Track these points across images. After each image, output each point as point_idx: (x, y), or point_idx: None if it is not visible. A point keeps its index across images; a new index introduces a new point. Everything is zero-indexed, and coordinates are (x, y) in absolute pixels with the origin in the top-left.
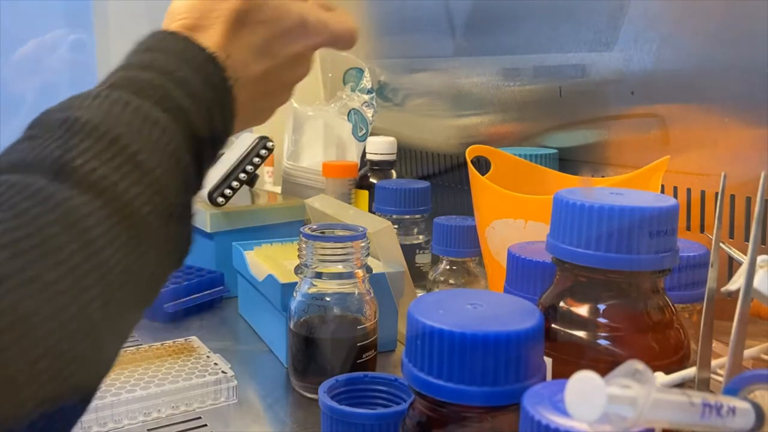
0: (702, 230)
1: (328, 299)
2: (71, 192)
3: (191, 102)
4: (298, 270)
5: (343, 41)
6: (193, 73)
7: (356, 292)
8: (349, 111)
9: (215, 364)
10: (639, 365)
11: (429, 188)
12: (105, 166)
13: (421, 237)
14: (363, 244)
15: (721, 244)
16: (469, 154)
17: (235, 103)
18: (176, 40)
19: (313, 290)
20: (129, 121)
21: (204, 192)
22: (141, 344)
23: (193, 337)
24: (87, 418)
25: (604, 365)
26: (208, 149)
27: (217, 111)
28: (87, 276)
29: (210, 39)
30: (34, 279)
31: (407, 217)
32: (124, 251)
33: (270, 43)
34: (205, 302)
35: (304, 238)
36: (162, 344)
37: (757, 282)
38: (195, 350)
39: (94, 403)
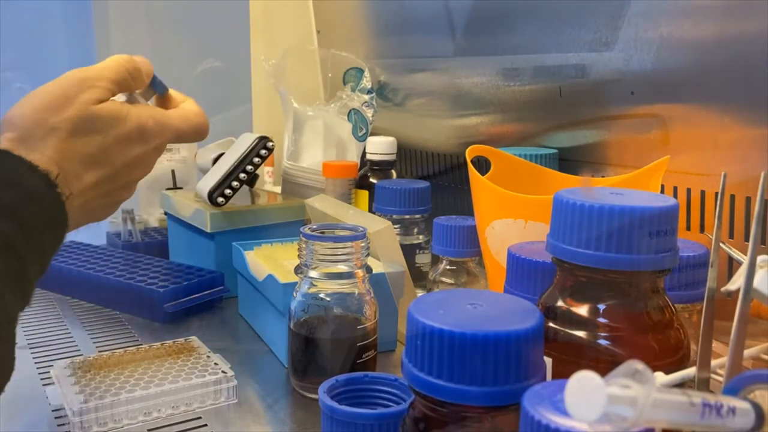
0: (702, 230)
1: (328, 299)
2: None
3: (19, 233)
4: (298, 270)
5: (189, 137)
6: (23, 200)
7: (356, 292)
8: (349, 111)
9: (215, 364)
10: (639, 365)
11: (429, 188)
12: None
13: (421, 237)
14: (363, 244)
15: (721, 244)
16: (469, 154)
17: (67, 217)
18: (4, 159)
19: (313, 290)
20: None
21: (204, 192)
22: (141, 344)
23: (193, 337)
24: (87, 417)
25: (604, 365)
26: (32, 267)
27: (44, 230)
28: None
29: (42, 152)
30: None
31: (407, 217)
32: None
33: (105, 152)
34: (205, 302)
35: (304, 238)
36: (162, 344)
37: (757, 282)
38: (195, 350)
39: (94, 403)
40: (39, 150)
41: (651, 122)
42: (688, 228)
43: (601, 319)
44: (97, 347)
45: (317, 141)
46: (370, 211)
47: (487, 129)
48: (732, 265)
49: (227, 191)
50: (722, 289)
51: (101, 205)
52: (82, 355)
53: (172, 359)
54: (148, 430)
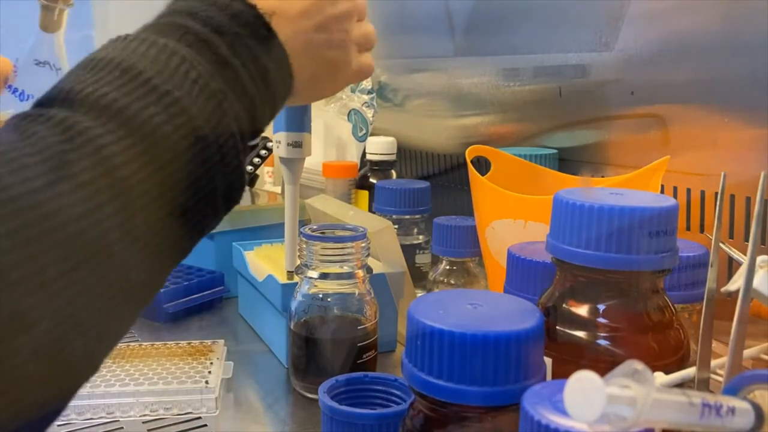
0: (702, 230)
1: (328, 299)
2: (81, 117)
3: (217, 36)
4: (298, 270)
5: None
6: (218, 11)
7: (356, 293)
8: (349, 111)
9: (209, 372)
10: (638, 365)
11: (429, 188)
12: (116, 91)
13: (421, 237)
14: (363, 245)
15: (720, 244)
16: (469, 154)
17: (275, 38)
18: None
19: (313, 290)
20: (144, 53)
21: None
22: (166, 342)
23: (220, 341)
24: (79, 403)
25: (604, 365)
26: (250, 81)
27: (251, 42)
28: (102, 192)
29: None
30: (40, 190)
31: (407, 217)
32: (145, 172)
33: None
34: (205, 302)
35: (304, 239)
36: (189, 343)
37: (757, 282)
38: (207, 355)
39: (87, 390)
40: None
41: (651, 122)
42: (688, 228)
43: (601, 320)
44: None
45: (317, 141)
46: (370, 211)
47: (487, 129)
48: (732, 266)
49: None
50: (722, 289)
51: (322, 42)
52: None
53: (181, 360)
54: (148, 430)
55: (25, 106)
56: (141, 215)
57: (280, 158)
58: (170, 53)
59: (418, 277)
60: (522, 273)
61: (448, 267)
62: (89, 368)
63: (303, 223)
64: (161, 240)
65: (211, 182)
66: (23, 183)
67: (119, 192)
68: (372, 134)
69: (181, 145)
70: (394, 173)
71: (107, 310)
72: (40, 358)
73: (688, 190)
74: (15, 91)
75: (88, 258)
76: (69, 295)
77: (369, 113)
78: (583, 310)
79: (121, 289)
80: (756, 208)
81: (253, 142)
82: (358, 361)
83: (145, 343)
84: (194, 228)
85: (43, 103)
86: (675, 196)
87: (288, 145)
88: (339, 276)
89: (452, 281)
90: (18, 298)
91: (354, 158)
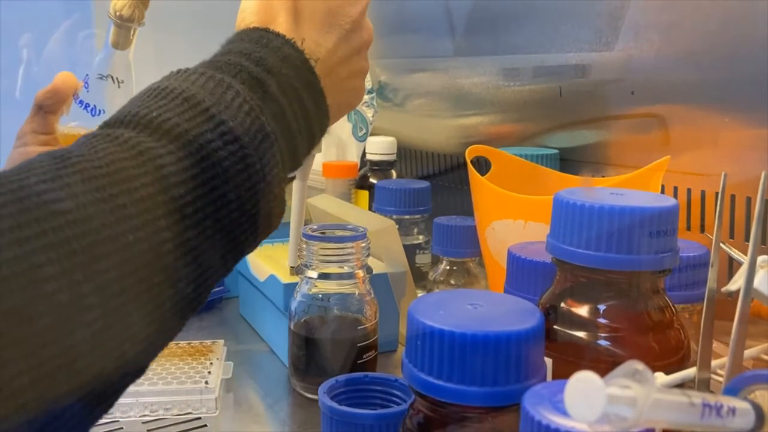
0: (702, 230)
1: (328, 300)
2: (145, 138)
3: (268, 75)
4: (298, 270)
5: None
6: (270, 53)
7: (357, 293)
8: None
9: (209, 372)
10: (639, 365)
11: (429, 188)
12: (178, 117)
13: (421, 237)
14: (363, 245)
15: (721, 244)
16: (469, 154)
17: (320, 83)
18: (251, 31)
19: (313, 291)
20: (203, 85)
21: None
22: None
23: (219, 341)
24: None
25: (605, 366)
26: (293, 118)
27: (299, 85)
28: (159, 207)
29: (281, 27)
30: (105, 200)
31: (407, 217)
32: (200, 191)
33: (332, 13)
34: (205, 302)
35: (304, 239)
36: (189, 343)
37: (757, 282)
38: (208, 355)
39: None
40: (278, 24)
41: (651, 122)
42: (689, 228)
43: (602, 320)
44: None
45: None
46: (370, 211)
47: (487, 129)
48: (732, 266)
49: None
50: (722, 289)
51: (347, 75)
52: None
53: (181, 360)
54: (148, 430)
55: (91, 119)
56: (192, 231)
57: None
58: (226, 87)
59: (419, 277)
60: (522, 273)
61: (448, 267)
62: (135, 373)
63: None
64: (208, 255)
65: (255, 207)
66: (88, 193)
67: (175, 208)
68: (372, 134)
69: (233, 170)
70: (394, 173)
71: (155, 317)
72: (95, 353)
73: (689, 190)
74: (83, 104)
75: (143, 266)
76: (123, 299)
77: (369, 113)
78: (583, 311)
79: (171, 298)
80: (756, 208)
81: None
82: (358, 361)
83: None
84: (236, 248)
85: (110, 124)
86: (675, 196)
87: None
88: (339, 276)
89: (452, 281)
90: (76, 295)
91: (354, 158)
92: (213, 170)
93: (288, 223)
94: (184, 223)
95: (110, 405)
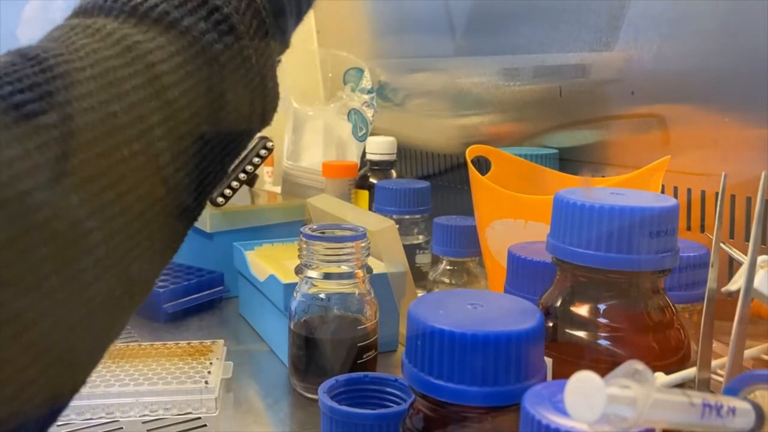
0: (702, 230)
1: (328, 299)
2: (130, 29)
3: None
4: (298, 270)
5: None
6: None
7: (356, 293)
8: (349, 111)
9: (208, 372)
10: (639, 365)
11: (429, 188)
12: (166, 3)
13: (421, 237)
14: (363, 245)
15: (721, 244)
16: (469, 154)
17: None
18: None
19: (313, 290)
20: None
21: None
22: (167, 342)
23: (219, 341)
24: (78, 403)
25: (605, 365)
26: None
27: None
28: (153, 113)
29: None
30: (94, 109)
31: (407, 217)
32: (196, 92)
33: None
34: (205, 302)
35: (304, 239)
36: (188, 343)
37: (758, 282)
38: (207, 354)
39: (87, 390)
40: None
41: (651, 122)
42: (689, 228)
43: (602, 320)
44: None
45: (317, 141)
46: (370, 211)
47: (487, 129)
48: (732, 266)
49: (227, 191)
50: (723, 289)
51: None
52: None
53: (181, 360)
54: (147, 430)
55: None
56: (189, 137)
57: None
58: None
59: (419, 277)
60: (522, 273)
61: (448, 267)
62: (142, 291)
63: (303, 222)
64: (208, 161)
65: (252, 105)
66: (73, 102)
67: (170, 113)
68: (372, 134)
69: (230, 66)
70: (394, 173)
71: (159, 236)
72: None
73: (689, 190)
74: None
75: (141, 181)
76: (124, 220)
77: (369, 113)
78: (583, 310)
79: (173, 211)
80: (756, 208)
81: (253, 143)
82: (358, 361)
83: (144, 344)
84: (234, 149)
85: (86, 10)
86: (675, 196)
87: None
88: (339, 276)
89: (452, 281)
90: (73, 221)
91: (354, 158)
92: (209, 68)
93: (288, 223)
94: (180, 129)
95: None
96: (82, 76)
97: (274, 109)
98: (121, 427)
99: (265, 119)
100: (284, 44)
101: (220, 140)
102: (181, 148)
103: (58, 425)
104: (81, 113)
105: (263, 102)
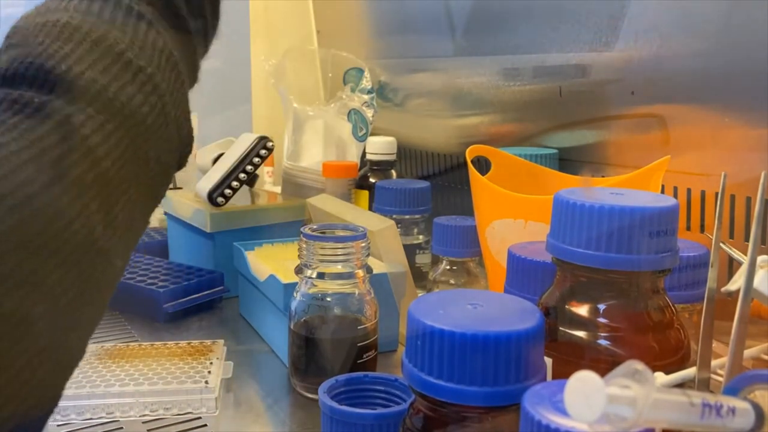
0: (702, 230)
1: (328, 299)
2: (58, 101)
3: None
4: (298, 270)
5: None
6: None
7: (357, 293)
8: (349, 111)
9: (208, 372)
10: (639, 365)
11: (429, 188)
12: (91, 69)
13: (421, 237)
14: (363, 245)
15: (721, 244)
16: (469, 154)
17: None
18: None
19: (313, 290)
20: (111, 19)
21: (204, 192)
22: (166, 342)
23: (219, 341)
24: (77, 403)
25: (605, 365)
26: (201, 43)
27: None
28: (90, 188)
29: None
30: (34, 196)
31: (407, 217)
32: (124, 159)
33: None
34: (205, 302)
35: (304, 239)
36: (188, 343)
37: (757, 282)
38: (207, 354)
39: (87, 390)
40: None
41: (651, 122)
42: (689, 228)
43: (602, 319)
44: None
45: (317, 141)
46: (370, 211)
47: (487, 129)
48: (732, 266)
49: (227, 191)
50: (722, 289)
51: None
52: None
53: (181, 360)
54: (148, 430)
55: None
56: (121, 204)
57: None
58: (136, 18)
59: (419, 277)
60: (522, 273)
61: (448, 267)
62: (78, 360)
63: (303, 222)
64: (136, 221)
65: (171, 157)
66: (10, 197)
67: (103, 184)
68: (372, 134)
69: (155, 125)
70: (394, 173)
71: (98, 302)
72: (41, 357)
73: (689, 190)
74: None
75: (80, 257)
76: (68, 296)
77: (369, 113)
78: (583, 310)
79: (107, 280)
80: (756, 208)
81: (253, 143)
82: (358, 361)
83: (144, 343)
84: (157, 202)
85: (8, 78)
86: (675, 196)
87: None
88: (339, 276)
89: (452, 281)
90: (18, 300)
91: (354, 158)
92: (136, 129)
93: (288, 223)
94: (112, 197)
95: (57, 403)
96: (19, 160)
97: (189, 153)
98: (121, 427)
99: (181, 165)
100: (193, 80)
101: (147, 198)
102: (112, 217)
103: (58, 425)
104: (23, 203)
105: (182, 151)
